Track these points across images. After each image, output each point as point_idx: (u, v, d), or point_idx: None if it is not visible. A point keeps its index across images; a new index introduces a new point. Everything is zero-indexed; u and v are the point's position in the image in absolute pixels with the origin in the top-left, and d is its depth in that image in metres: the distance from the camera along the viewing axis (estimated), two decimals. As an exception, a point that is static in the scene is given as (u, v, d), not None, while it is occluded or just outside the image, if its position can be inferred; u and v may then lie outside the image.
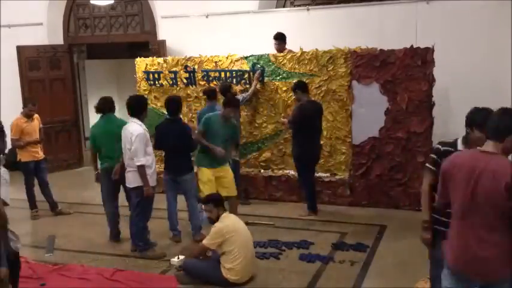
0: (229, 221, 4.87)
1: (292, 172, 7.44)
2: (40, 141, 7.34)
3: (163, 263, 5.45)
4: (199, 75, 7.89)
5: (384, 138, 6.87)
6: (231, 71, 7.66)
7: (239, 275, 4.75)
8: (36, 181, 7.31)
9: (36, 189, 7.32)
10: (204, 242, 4.84)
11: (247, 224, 6.26)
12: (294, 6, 8.94)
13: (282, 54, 7.44)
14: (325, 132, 7.25)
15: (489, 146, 2.95)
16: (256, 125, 7.66)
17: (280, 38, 7.71)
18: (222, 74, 7.71)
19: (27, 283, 5.00)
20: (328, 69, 7.14)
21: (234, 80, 7.66)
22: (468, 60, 7.42)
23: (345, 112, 7.11)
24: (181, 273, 5.03)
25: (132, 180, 5.47)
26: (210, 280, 4.86)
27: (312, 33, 8.06)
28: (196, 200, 6.05)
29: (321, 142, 7.02)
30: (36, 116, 7.37)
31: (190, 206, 6.05)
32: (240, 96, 7.18)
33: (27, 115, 7.21)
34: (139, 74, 8.29)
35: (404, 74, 6.66)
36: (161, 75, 8.11)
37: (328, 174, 7.31)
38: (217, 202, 4.98)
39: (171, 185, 6.04)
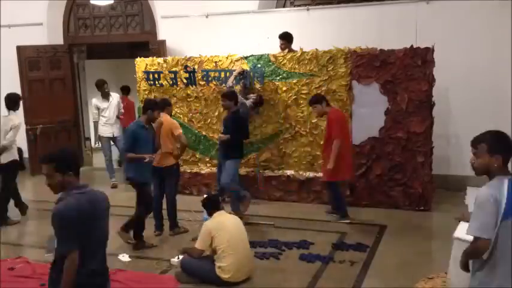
0: (216, 219, 4.90)
1: (292, 172, 7.45)
2: None
3: (163, 263, 5.45)
4: (199, 75, 7.89)
5: (384, 138, 6.87)
6: (231, 71, 7.66)
7: (230, 273, 4.74)
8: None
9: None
10: (196, 245, 4.87)
11: (246, 224, 6.30)
12: (294, 6, 8.93)
13: (282, 54, 7.44)
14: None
15: None
16: (256, 125, 7.66)
17: (285, 38, 7.60)
18: (222, 74, 7.71)
19: (27, 283, 5.01)
20: (328, 69, 7.14)
21: (234, 80, 7.65)
22: (468, 60, 7.43)
23: (345, 112, 7.11)
24: (181, 271, 5.04)
25: None
26: (205, 279, 4.87)
27: (312, 33, 8.05)
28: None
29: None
30: None
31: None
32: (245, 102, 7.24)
33: None
34: (139, 74, 8.28)
35: (404, 74, 6.67)
36: (161, 75, 8.11)
37: (328, 174, 7.30)
38: (205, 203, 5.13)
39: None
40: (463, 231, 3.67)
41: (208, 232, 4.77)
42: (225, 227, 4.81)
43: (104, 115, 8.83)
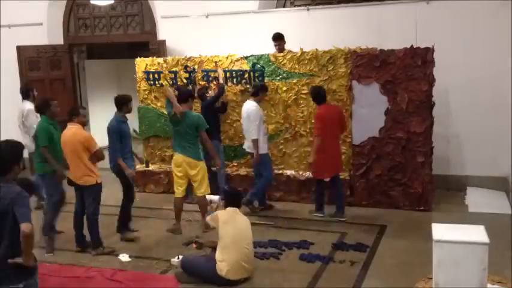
0: (230, 213, 5.02)
1: (292, 172, 7.44)
2: None
3: (164, 263, 5.45)
4: (199, 75, 7.89)
5: (384, 138, 6.87)
6: (231, 71, 7.66)
7: (227, 267, 4.76)
8: None
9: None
10: (208, 217, 5.14)
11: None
12: (294, 6, 8.93)
13: (282, 54, 7.44)
14: (325, 132, 7.27)
15: None
16: (256, 125, 7.64)
17: (279, 38, 7.61)
18: (222, 74, 7.71)
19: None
20: (328, 69, 7.14)
21: (234, 80, 7.66)
22: (468, 60, 7.43)
23: (345, 112, 7.11)
24: (181, 271, 5.04)
25: None
26: (205, 277, 4.88)
27: (312, 33, 8.05)
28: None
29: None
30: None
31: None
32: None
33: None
34: (140, 74, 8.28)
35: (404, 74, 6.66)
36: (161, 75, 8.11)
37: (328, 174, 7.30)
38: (227, 195, 5.26)
39: None
40: (442, 234, 3.69)
41: (216, 218, 4.94)
42: (233, 222, 4.93)
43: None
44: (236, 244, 4.81)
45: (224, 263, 4.76)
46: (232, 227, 4.88)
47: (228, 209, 5.07)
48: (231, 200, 5.15)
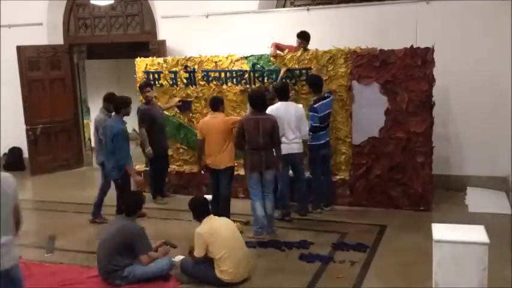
0: (207, 225, 4.83)
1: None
2: None
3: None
4: (199, 75, 7.89)
5: (384, 138, 6.87)
6: (231, 71, 7.66)
7: (231, 276, 4.75)
8: None
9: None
10: (195, 253, 4.82)
11: (246, 224, 6.30)
12: (294, 6, 8.93)
13: (282, 54, 7.43)
14: (325, 132, 7.26)
15: None
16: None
17: (299, 37, 7.44)
18: (222, 74, 7.71)
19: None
20: (328, 69, 7.14)
21: (234, 80, 7.66)
22: (468, 60, 7.43)
23: (345, 112, 7.11)
24: (181, 272, 5.04)
25: None
26: (205, 280, 4.86)
27: (312, 33, 8.02)
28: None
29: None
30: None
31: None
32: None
33: None
34: (139, 74, 8.28)
35: (404, 74, 6.67)
36: (161, 75, 8.11)
37: (328, 174, 7.30)
38: (194, 208, 4.98)
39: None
40: (442, 234, 3.68)
41: (202, 240, 4.73)
42: (218, 232, 4.78)
43: None
44: (231, 250, 4.74)
45: (227, 272, 4.73)
46: (219, 236, 4.74)
47: (205, 220, 4.87)
48: (202, 210, 4.95)
